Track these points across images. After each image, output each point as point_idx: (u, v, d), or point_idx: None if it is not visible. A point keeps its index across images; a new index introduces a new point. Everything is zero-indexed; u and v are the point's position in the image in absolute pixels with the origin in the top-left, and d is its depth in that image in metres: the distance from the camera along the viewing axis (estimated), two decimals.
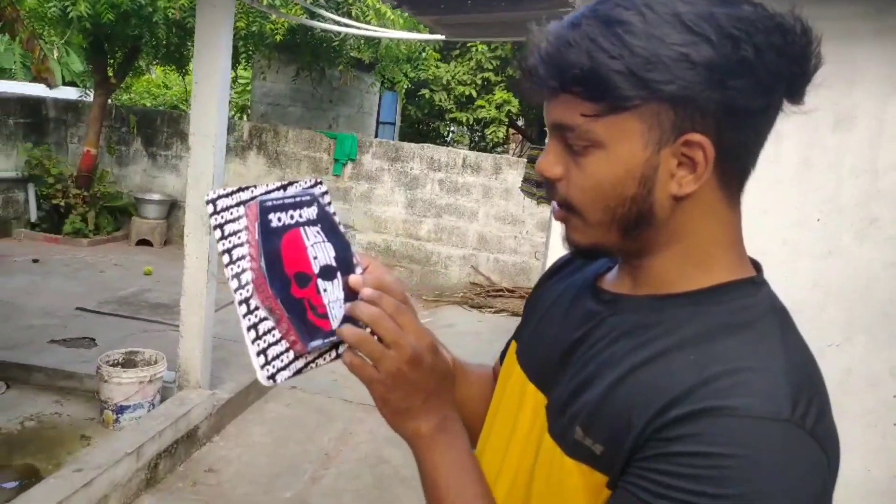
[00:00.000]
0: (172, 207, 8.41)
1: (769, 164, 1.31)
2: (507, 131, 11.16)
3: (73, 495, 2.77)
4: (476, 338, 5.88)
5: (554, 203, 0.75)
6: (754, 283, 0.72)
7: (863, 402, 2.57)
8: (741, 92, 0.63)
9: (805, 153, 2.46)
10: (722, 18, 0.63)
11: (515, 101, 10.15)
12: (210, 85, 3.69)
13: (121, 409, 3.57)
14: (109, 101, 8.20)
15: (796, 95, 0.67)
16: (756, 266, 0.75)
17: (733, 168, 0.69)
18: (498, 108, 10.21)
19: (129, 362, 3.73)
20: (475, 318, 6.93)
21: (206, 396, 3.86)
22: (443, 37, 5.05)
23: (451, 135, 13.12)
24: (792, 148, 2.32)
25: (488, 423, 0.88)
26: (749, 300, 0.70)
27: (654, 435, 0.61)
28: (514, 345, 0.91)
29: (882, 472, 2.40)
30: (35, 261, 6.81)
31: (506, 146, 12.66)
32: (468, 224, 7.79)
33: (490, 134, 10.69)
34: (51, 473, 3.02)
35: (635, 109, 0.65)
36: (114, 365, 3.65)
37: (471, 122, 10.81)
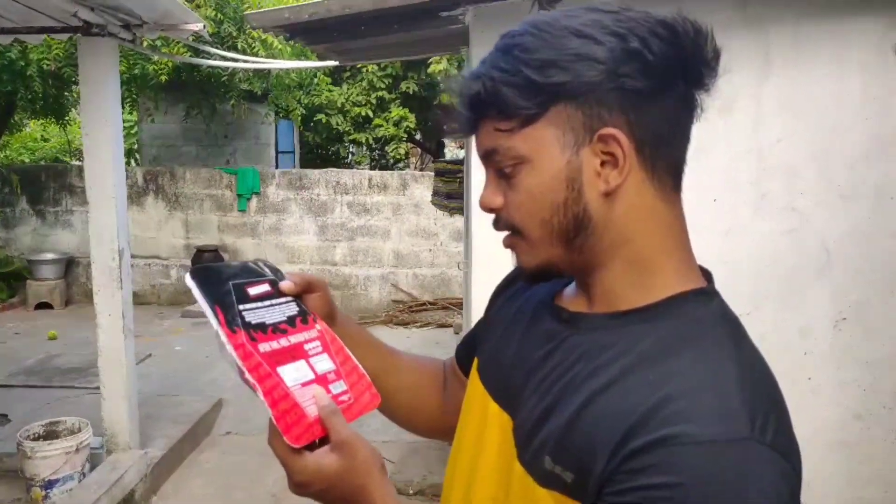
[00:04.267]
0: (70, 265, 8.01)
1: None
2: (407, 147, 11.23)
3: None
4: None
5: (503, 236, 0.77)
6: (705, 293, 0.73)
7: (778, 364, 2.77)
8: (633, 76, 0.66)
9: (697, 137, 2.69)
10: (608, 21, 0.68)
11: (412, 117, 10.23)
12: (102, 135, 3.55)
13: (49, 484, 3.37)
14: None
15: (696, 81, 0.69)
16: (707, 276, 0.76)
17: (658, 160, 0.70)
18: (396, 124, 10.27)
19: (51, 434, 3.53)
20: (403, 336, 6.93)
21: (138, 457, 3.70)
22: (335, 62, 5.06)
23: (351, 156, 13.09)
24: None
25: (457, 441, 0.88)
26: (700, 311, 0.70)
27: (619, 467, 0.62)
28: (476, 361, 0.91)
29: (805, 429, 2.59)
30: None
31: (407, 161, 12.73)
32: (382, 243, 7.80)
33: (391, 151, 10.72)
34: None
35: (545, 117, 0.68)
36: (35, 439, 3.45)
37: (370, 142, 10.82)
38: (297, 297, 0.86)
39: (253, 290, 0.81)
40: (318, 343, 0.82)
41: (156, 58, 6.78)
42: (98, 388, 3.76)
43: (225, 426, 4.65)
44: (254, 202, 7.85)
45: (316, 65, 6.30)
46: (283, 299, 0.83)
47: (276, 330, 0.79)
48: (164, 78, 7.11)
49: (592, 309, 0.75)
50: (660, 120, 0.69)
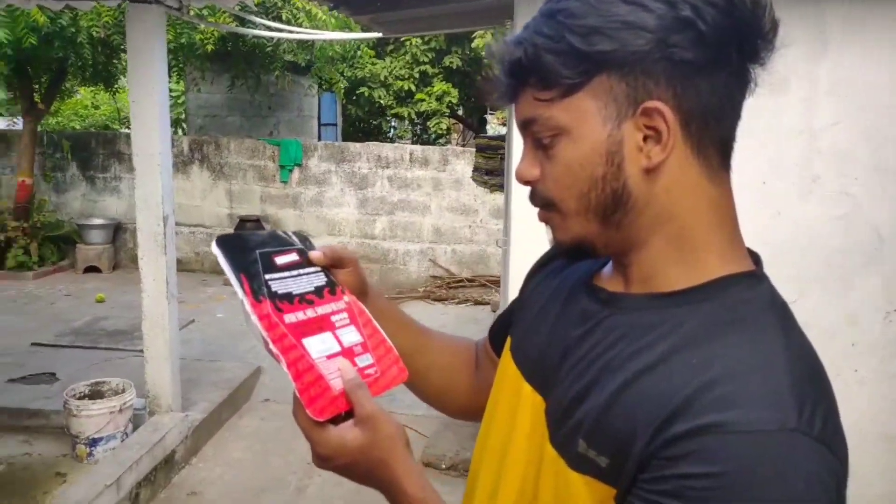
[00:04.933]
0: (118, 230, 8.21)
1: None
2: (448, 122, 11.18)
3: None
4: (442, 330, 5.88)
5: (539, 211, 0.75)
6: (754, 276, 0.70)
7: (823, 353, 2.70)
8: (684, 46, 0.63)
9: (746, 117, 2.62)
10: None
11: (455, 92, 10.18)
12: (149, 102, 3.61)
13: (94, 442, 3.49)
14: (39, 127, 7.93)
15: (752, 55, 0.66)
16: (755, 259, 0.73)
17: (705, 136, 0.67)
18: (438, 99, 10.22)
19: (96, 394, 3.64)
20: (439, 312, 6.96)
21: (179, 419, 3.80)
22: (378, 34, 5.04)
23: (393, 130, 13.09)
24: None
25: (486, 420, 0.87)
26: (748, 294, 0.67)
27: (658, 453, 0.60)
28: (509, 340, 0.89)
29: (847, 420, 2.53)
30: None
31: (448, 137, 12.68)
32: (422, 218, 7.81)
33: (433, 126, 10.69)
34: None
35: (587, 87, 0.66)
36: (81, 398, 3.57)
37: (412, 117, 10.80)
38: (327, 269, 0.85)
39: (280, 260, 0.80)
40: (345, 315, 0.81)
41: (202, 27, 6.85)
42: (142, 350, 3.86)
43: (263, 393, 4.74)
44: (296, 174, 7.91)
45: (359, 36, 6.29)
46: (311, 269, 0.82)
47: (303, 300, 0.78)
48: (209, 47, 7.18)
49: (630, 289, 0.73)
50: (709, 94, 0.66)
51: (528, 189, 0.76)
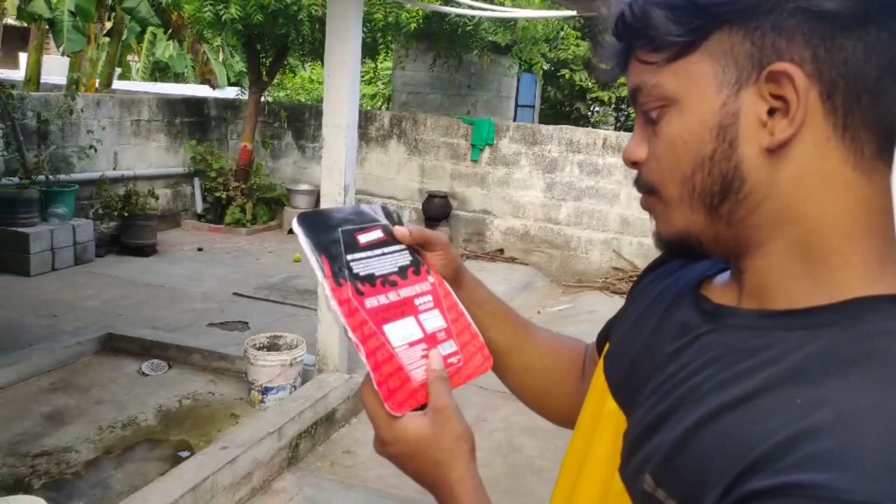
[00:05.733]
0: (320, 197, 8.80)
1: None
2: None
3: (218, 471, 2.95)
4: None
5: (642, 197, 0.65)
6: None
7: None
8: None
9: None
10: None
11: None
12: (341, 76, 3.78)
13: (266, 391, 3.77)
14: (263, 98, 8.69)
15: None
16: None
17: (856, 114, 0.52)
18: None
19: (273, 346, 3.93)
20: (617, 305, 6.60)
21: (343, 380, 3.99)
22: (575, 13, 4.87)
23: (594, 115, 12.75)
24: None
25: (575, 433, 0.78)
26: (890, 325, 0.51)
27: None
28: (607, 346, 0.79)
29: None
30: (199, 249, 7.38)
31: None
32: (609, 207, 7.52)
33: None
34: (201, 449, 3.25)
35: (702, 47, 0.55)
36: (259, 348, 3.86)
37: (614, 101, 10.42)
38: (414, 248, 0.79)
39: (363, 238, 0.76)
40: (429, 297, 0.76)
41: (408, 5, 7.07)
42: None
43: None
44: (486, 153, 7.96)
45: (561, 14, 6.14)
46: (395, 247, 0.78)
47: (386, 282, 0.73)
48: (413, 26, 7.39)
49: (742, 304, 0.59)
50: (862, 59, 0.51)
51: (631, 168, 0.65)
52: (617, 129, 11.18)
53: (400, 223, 0.80)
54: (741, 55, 0.53)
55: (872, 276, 0.54)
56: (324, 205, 3.93)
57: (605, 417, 0.69)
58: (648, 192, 0.62)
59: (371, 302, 0.71)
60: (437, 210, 7.86)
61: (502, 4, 6.91)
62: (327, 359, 4.04)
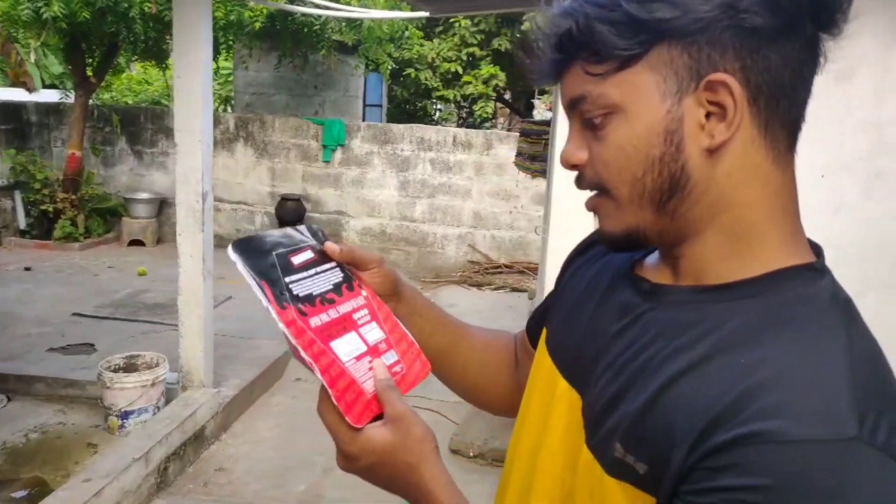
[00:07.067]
0: (162, 205, 8.31)
1: None
2: (494, 106, 11.04)
3: None
4: (478, 316, 5.83)
5: (586, 198, 0.69)
6: (814, 269, 0.63)
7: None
8: (756, 12, 0.57)
9: (808, 108, 2.46)
10: None
11: (503, 75, 10.03)
12: (192, 79, 3.59)
13: (126, 415, 3.52)
14: (91, 101, 8.06)
15: (827, 23, 0.59)
16: (816, 250, 0.66)
17: (774, 115, 0.60)
18: (485, 82, 10.09)
19: (130, 367, 3.67)
20: (476, 297, 6.88)
21: (210, 395, 3.81)
22: (426, 14, 4.94)
23: (438, 113, 13.00)
24: None
25: (520, 416, 0.82)
26: (808, 290, 0.61)
27: (699, 464, 0.55)
28: (545, 332, 0.84)
29: None
30: (27, 269, 6.72)
31: (494, 121, 12.54)
32: (462, 202, 7.72)
33: (478, 110, 10.57)
34: (59, 485, 2.98)
35: (644, 59, 0.60)
36: (115, 370, 3.60)
37: (458, 99, 10.68)
38: (342, 265, 0.82)
39: (297, 259, 0.78)
40: (366, 311, 0.79)
41: (251, 4, 6.84)
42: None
43: (296, 372, 4.74)
44: (338, 154, 7.89)
45: (408, 15, 6.21)
46: (326, 265, 0.80)
47: (324, 301, 0.76)
48: (258, 25, 7.17)
49: (678, 282, 0.67)
50: (781, 66, 0.59)
51: (570, 176, 0.70)
52: (460, 125, 11.48)
53: (325, 240, 0.83)
54: (680, 67, 0.59)
55: (788, 250, 0.63)
56: (180, 214, 3.72)
57: (558, 397, 0.74)
58: (596, 191, 0.67)
59: (315, 321, 0.72)
60: (290, 213, 7.69)
61: (349, 3, 6.87)
62: (192, 374, 3.83)
